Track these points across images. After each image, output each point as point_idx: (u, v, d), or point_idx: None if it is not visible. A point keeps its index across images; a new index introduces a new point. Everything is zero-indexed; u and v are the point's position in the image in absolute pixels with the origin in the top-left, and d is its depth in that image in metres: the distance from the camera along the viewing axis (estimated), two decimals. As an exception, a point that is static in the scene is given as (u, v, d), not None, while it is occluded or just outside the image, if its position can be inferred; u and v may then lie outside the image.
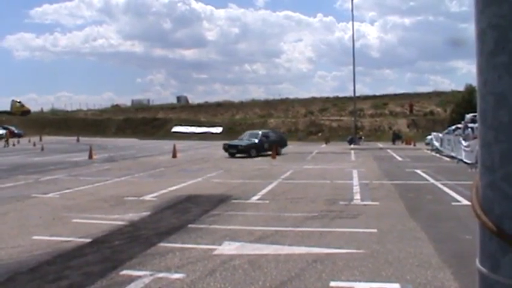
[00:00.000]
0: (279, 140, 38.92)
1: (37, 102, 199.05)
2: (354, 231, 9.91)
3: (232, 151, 35.18)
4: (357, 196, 14.90)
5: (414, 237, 9.36)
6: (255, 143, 36.16)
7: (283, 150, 37.86)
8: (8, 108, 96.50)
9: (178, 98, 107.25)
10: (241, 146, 35.62)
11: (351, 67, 58.66)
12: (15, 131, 74.47)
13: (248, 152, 34.97)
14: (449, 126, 39.81)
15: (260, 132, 38.27)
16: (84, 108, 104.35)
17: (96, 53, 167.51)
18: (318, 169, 24.40)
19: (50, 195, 15.92)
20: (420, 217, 11.39)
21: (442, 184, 17.33)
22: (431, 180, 18.57)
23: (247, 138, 37.48)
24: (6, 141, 56.28)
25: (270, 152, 34.14)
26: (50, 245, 9.06)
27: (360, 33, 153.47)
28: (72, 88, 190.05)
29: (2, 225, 11.12)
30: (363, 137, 55.41)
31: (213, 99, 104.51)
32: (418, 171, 22.23)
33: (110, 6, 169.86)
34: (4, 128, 67.49)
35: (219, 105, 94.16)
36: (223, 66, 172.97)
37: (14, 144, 54.31)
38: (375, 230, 9.97)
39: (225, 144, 36.63)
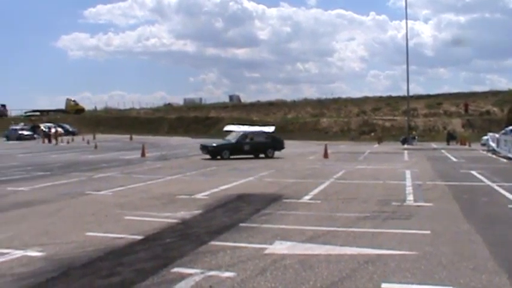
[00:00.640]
0: (270, 142, 35.06)
1: (91, 100, 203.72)
2: (407, 233, 9.78)
3: (204, 152, 32.80)
4: (410, 197, 14.69)
5: (469, 239, 9.18)
6: (230, 144, 33.27)
7: (281, 153, 34.43)
8: (62, 106, 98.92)
9: (231, 97, 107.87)
10: (211, 146, 32.96)
11: (404, 66, 57.93)
12: (70, 129, 76.13)
13: (219, 153, 32.13)
14: (507, 126, 38.93)
15: (241, 133, 34.97)
16: (137, 107, 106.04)
17: (149, 52, 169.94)
18: (370, 169, 24.17)
19: (103, 192, 16.22)
20: (475, 219, 11.15)
21: (499, 186, 16.94)
22: (487, 182, 18.17)
23: (228, 138, 34.99)
24: (56, 139, 57.59)
25: (251, 156, 32.83)
26: (103, 242, 9.22)
27: (414, 32, 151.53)
28: (126, 87, 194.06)
29: (57, 222, 11.39)
30: (416, 137, 54.54)
31: (265, 98, 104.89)
32: (474, 172, 21.78)
33: (162, 6, 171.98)
34: (52, 127, 68.92)
35: (271, 104, 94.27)
36: (276, 65, 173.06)
37: (68, 142, 55.48)
38: (428, 232, 9.81)
39: (200, 145, 34.08)
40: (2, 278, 7.01)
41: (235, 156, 32.10)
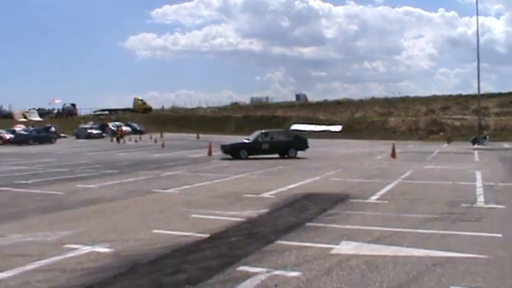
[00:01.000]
0: (293, 141, 33.83)
1: (158, 100, 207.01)
2: (477, 235, 9.55)
3: (223, 151, 32.05)
4: (481, 198, 14.32)
5: (543, 243, 8.89)
6: (248, 143, 32.46)
7: (305, 154, 32.80)
8: (130, 106, 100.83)
9: (297, 96, 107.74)
10: (226, 145, 32.45)
11: (475, 63, 56.34)
12: (137, 128, 77.59)
13: (237, 153, 31.37)
14: None
15: (260, 132, 33.73)
16: (204, 106, 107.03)
17: (215, 51, 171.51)
18: (439, 169, 23.70)
19: (170, 190, 16.47)
20: (550, 222, 10.80)
21: None
22: None
23: (248, 137, 34.02)
24: (121, 137, 58.80)
25: (276, 155, 31.85)
26: (169, 239, 9.38)
27: (485, 28, 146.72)
28: (192, 86, 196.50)
29: (125, 219, 11.67)
30: (487, 137, 53.06)
31: (332, 97, 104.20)
32: (549, 173, 21.07)
33: (228, 6, 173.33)
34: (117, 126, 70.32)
35: (338, 103, 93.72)
36: (342, 64, 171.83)
37: (136, 141, 56.59)
38: (500, 235, 9.55)
39: (221, 145, 33.10)
40: (72, 273, 7.24)
41: (255, 156, 31.22)
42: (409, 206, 13.02)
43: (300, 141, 34.19)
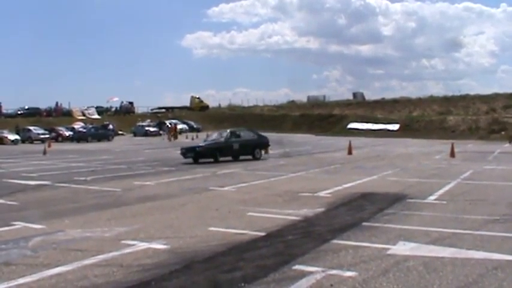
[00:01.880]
0: (257, 140, 31.09)
1: (215, 98, 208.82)
2: (540, 239, 9.29)
3: (190, 155, 28.05)
4: (544, 200, 13.92)
5: None
6: (220, 143, 28.97)
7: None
8: (187, 104, 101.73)
9: (354, 94, 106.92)
10: (199, 147, 28.78)
11: (540, 61, 54.56)
12: (194, 126, 78.30)
13: (213, 155, 27.94)
14: None
15: (229, 131, 30.66)
16: (261, 104, 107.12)
17: (272, 50, 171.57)
18: (500, 170, 23.13)
19: (226, 188, 16.59)
20: None
21: None
22: None
23: (211, 139, 30.46)
24: (173, 135, 59.32)
25: (248, 156, 29.13)
26: (225, 237, 9.45)
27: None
28: (249, 84, 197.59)
29: (181, 216, 11.81)
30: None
31: (389, 95, 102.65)
32: None
33: (284, 4, 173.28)
34: (162, 123, 70.94)
35: (395, 101, 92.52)
36: (400, 62, 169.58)
37: (193, 138, 57.12)
38: None
39: (182, 149, 29.17)
40: (129, 269, 7.38)
41: (224, 159, 28.32)
42: (469, 207, 12.75)
43: (263, 140, 31.74)
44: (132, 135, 69.78)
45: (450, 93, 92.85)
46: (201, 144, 30.06)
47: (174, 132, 61.48)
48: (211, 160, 27.46)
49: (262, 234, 9.69)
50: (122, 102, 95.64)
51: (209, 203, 13.60)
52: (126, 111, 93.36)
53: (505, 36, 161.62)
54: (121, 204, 13.58)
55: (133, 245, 8.80)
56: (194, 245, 8.83)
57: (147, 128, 70.88)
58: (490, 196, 14.73)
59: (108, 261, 7.81)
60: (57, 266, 7.51)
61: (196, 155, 27.99)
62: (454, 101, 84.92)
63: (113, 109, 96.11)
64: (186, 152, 28.65)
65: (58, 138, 59.39)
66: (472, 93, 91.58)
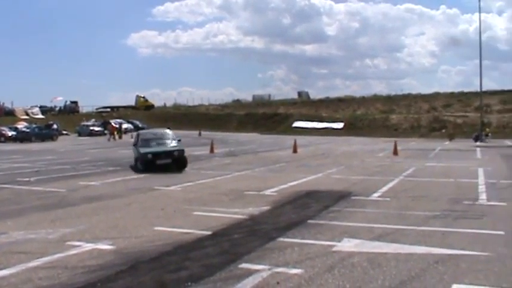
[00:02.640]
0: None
1: (160, 97, 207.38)
2: (479, 233, 9.54)
3: (164, 162, 22.30)
4: (483, 196, 14.31)
5: (545, 241, 8.88)
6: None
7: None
8: (132, 103, 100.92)
9: (299, 93, 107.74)
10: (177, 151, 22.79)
11: (477, 61, 56.71)
12: (139, 125, 77.63)
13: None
14: None
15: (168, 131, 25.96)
16: (206, 103, 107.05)
17: (217, 49, 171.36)
18: (441, 167, 23.68)
19: (172, 187, 16.49)
20: (552, 220, 10.78)
21: None
22: None
23: (162, 140, 24.16)
24: (115, 135, 58.65)
25: None
26: (171, 236, 9.40)
27: (487, 25, 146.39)
28: (194, 83, 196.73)
29: (126, 216, 11.68)
30: (489, 134, 52.99)
31: (333, 94, 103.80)
32: (551, 171, 21.03)
33: (229, 3, 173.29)
34: (107, 123, 70.11)
35: (340, 100, 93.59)
36: (344, 61, 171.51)
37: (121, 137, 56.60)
38: (502, 232, 9.54)
39: (145, 154, 22.27)
40: (74, 270, 7.25)
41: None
42: (411, 204, 13.01)
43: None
44: (76, 135, 68.70)
45: (393, 92, 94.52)
46: None
47: (114, 132, 60.57)
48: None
49: (208, 233, 9.67)
50: (66, 101, 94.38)
51: (155, 203, 13.49)
52: (71, 110, 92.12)
53: (444, 37, 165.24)
54: (66, 204, 13.33)
55: (78, 246, 8.65)
56: (140, 245, 8.75)
57: (91, 128, 69.88)
58: (431, 192, 15.05)
59: (52, 263, 7.65)
60: (0, 269, 7.33)
61: None
62: (396, 100, 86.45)
63: (57, 108, 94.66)
64: None
65: (0, 138, 57.77)
66: (413, 92, 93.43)
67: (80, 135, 67.97)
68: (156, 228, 10.17)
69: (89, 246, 8.65)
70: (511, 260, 7.55)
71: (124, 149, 37.03)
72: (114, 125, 65.78)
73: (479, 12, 58.81)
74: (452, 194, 14.60)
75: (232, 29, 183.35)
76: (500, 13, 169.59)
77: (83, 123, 73.52)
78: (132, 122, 78.63)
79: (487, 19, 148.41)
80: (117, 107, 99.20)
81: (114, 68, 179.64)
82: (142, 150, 22.59)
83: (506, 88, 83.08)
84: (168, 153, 22.63)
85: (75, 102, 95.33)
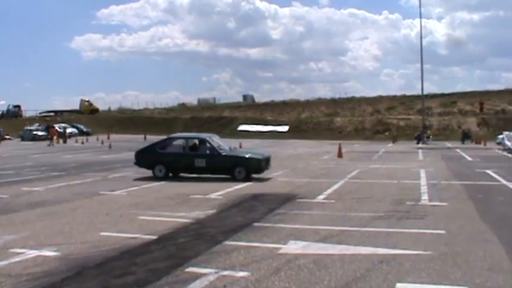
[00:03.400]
0: None
1: (105, 101, 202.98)
2: (421, 232, 9.74)
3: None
4: (425, 196, 14.62)
5: (484, 239, 9.11)
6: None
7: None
8: (77, 107, 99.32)
9: (245, 97, 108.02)
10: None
11: (418, 65, 58.20)
12: (84, 130, 76.57)
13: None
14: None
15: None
16: (151, 107, 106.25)
17: (162, 52, 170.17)
18: (384, 168, 24.09)
19: (117, 192, 16.28)
20: (491, 219, 11.08)
21: (514, 185, 16.84)
22: (503, 181, 18.05)
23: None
24: (55, 139, 57.60)
25: None
26: (117, 241, 9.27)
27: (427, 30, 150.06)
28: (139, 87, 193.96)
29: (71, 221, 11.43)
30: (430, 136, 54.25)
31: (278, 97, 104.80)
32: (489, 171, 21.62)
33: (174, 7, 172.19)
34: (50, 127, 68.90)
35: (285, 103, 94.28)
36: (289, 65, 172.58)
37: (82, 142, 55.74)
38: (443, 232, 9.77)
39: (259, 161, 20.09)
40: (17, 278, 7.06)
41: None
42: (356, 205, 13.18)
43: None
44: (19, 139, 67.07)
45: (337, 96, 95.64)
46: None
47: (54, 136, 59.39)
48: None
49: (154, 237, 9.58)
50: (9, 105, 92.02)
51: (100, 208, 13.28)
52: (13, 115, 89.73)
53: (387, 42, 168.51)
54: (8, 211, 12.96)
55: (22, 253, 8.42)
56: (85, 251, 8.59)
57: (35, 132, 68.20)
58: (375, 194, 15.28)
59: (-6, 271, 7.44)
60: None
61: None
62: (341, 103, 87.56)
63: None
64: None
65: None
66: (357, 95, 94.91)
67: (23, 139, 66.36)
68: (101, 233, 10.01)
69: (33, 253, 8.44)
70: (452, 258, 7.73)
71: (68, 154, 36.45)
72: (57, 129, 64.55)
73: (420, 17, 60.26)
74: (395, 195, 14.87)
75: (178, 32, 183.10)
76: (439, 19, 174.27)
77: (26, 127, 71.84)
78: (76, 127, 77.44)
79: (427, 25, 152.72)
80: (61, 111, 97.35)
81: (58, 72, 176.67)
82: (252, 156, 20.74)
83: (446, 91, 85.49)
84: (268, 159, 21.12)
85: (18, 106, 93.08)
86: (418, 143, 49.93)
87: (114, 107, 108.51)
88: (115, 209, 13.04)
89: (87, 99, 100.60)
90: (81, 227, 10.71)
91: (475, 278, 6.78)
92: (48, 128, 68.99)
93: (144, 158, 21.36)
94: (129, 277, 7.06)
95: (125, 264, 7.71)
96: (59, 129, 65.59)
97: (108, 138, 62.75)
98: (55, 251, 8.58)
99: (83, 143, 55.96)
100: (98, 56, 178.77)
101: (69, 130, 69.92)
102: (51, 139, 56.65)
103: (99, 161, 30.87)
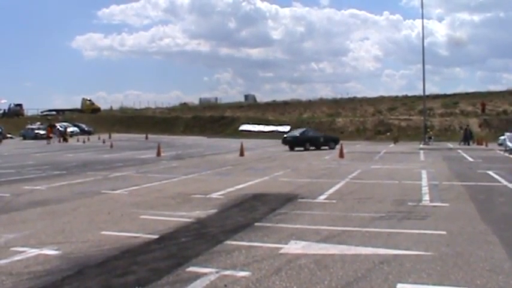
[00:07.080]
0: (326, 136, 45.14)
1: (106, 100, 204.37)
2: (423, 233, 9.72)
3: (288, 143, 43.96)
4: (426, 197, 14.60)
5: (485, 240, 9.10)
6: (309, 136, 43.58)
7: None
8: (78, 106, 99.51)
9: (246, 97, 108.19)
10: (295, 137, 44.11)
11: (419, 65, 58.45)
12: (85, 129, 76.70)
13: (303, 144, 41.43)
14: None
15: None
16: (153, 107, 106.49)
17: (163, 52, 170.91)
18: (385, 169, 24.07)
19: (119, 191, 16.28)
20: (492, 220, 11.06)
21: (516, 186, 16.82)
22: (504, 182, 18.02)
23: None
24: (48, 138, 57.63)
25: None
26: (118, 241, 9.26)
27: (428, 31, 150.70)
28: (141, 87, 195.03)
29: (73, 220, 11.44)
30: (432, 137, 54.21)
31: (280, 97, 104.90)
32: (490, 172, 21.60)
33: (175, 6, 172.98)
34: (52, 126, 68.97)
35: (286, 103, 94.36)
36: (290, 65, 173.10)
37: (84, 141, 55.79)
38: (444, 232, 9.75)
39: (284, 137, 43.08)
40: (18, 276, 7.06)
41: None
42: (357, 205, 13.17)
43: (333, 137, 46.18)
44: (21, 138, 67.23)
45: (339, 96, 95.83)
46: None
47: (50, 134, 59.42)
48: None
49: (155, 237, 9.57)
50: (10, 104, 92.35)
51: (101, 207, 13.28)
52: (15, 113, 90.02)
53: (388, 42, 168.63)
54: (10, 209, 12.97)
55: (23, 251, 8.42)
56: (86, 250, 8.59)
57: (36, 131, 68.46)
58: (376, 194, 15.26)
59: (-5, 270, 7.45)
60: None
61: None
62: (342, 103, 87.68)
63: (1, 112, 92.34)
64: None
65: None
66: (359, 96, 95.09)
67: (24, 138, 66.62)
68: (103, 232, 10.01)
69: (34, 251, 8.44)
70: (453, 259, 7.72)
71: (69, 153, 36.47)
72: (59, 127, 64.67)
73: (422, 18, 60.15)
74: (396, 196, 14.85)
75: (178, 32, 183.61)
76: (440, 20, 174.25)
77: (27, 126, 72.00)
78: (78, 126, 77.59)
79: (428, 25, 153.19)
80: (63, 110, 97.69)
81: (60, 71, 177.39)
82: None
83: (448, 92, 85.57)
84: None
85: (20, 105, 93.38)
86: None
87: (115, 106, 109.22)
88: (116, 208, 13.04)
89: (88, 98, 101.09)
90: (82, 226, 10.71)
91: (476, 279, 6.78)
92: (50, 127, 69.31)
93: None
94: (130, 276, 7.06)
95: (126, 264, 7.70)
96: (60, 128, 65.72)
97: (110, 137, 62.89)
98: (56, 249, 8.57)
99: (84, 142, 56.09)
100: (99, 55, 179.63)
101: (70, 129, 70.15)
102: (48, 137, 56.80)
103: (100, 160, 30.90)
